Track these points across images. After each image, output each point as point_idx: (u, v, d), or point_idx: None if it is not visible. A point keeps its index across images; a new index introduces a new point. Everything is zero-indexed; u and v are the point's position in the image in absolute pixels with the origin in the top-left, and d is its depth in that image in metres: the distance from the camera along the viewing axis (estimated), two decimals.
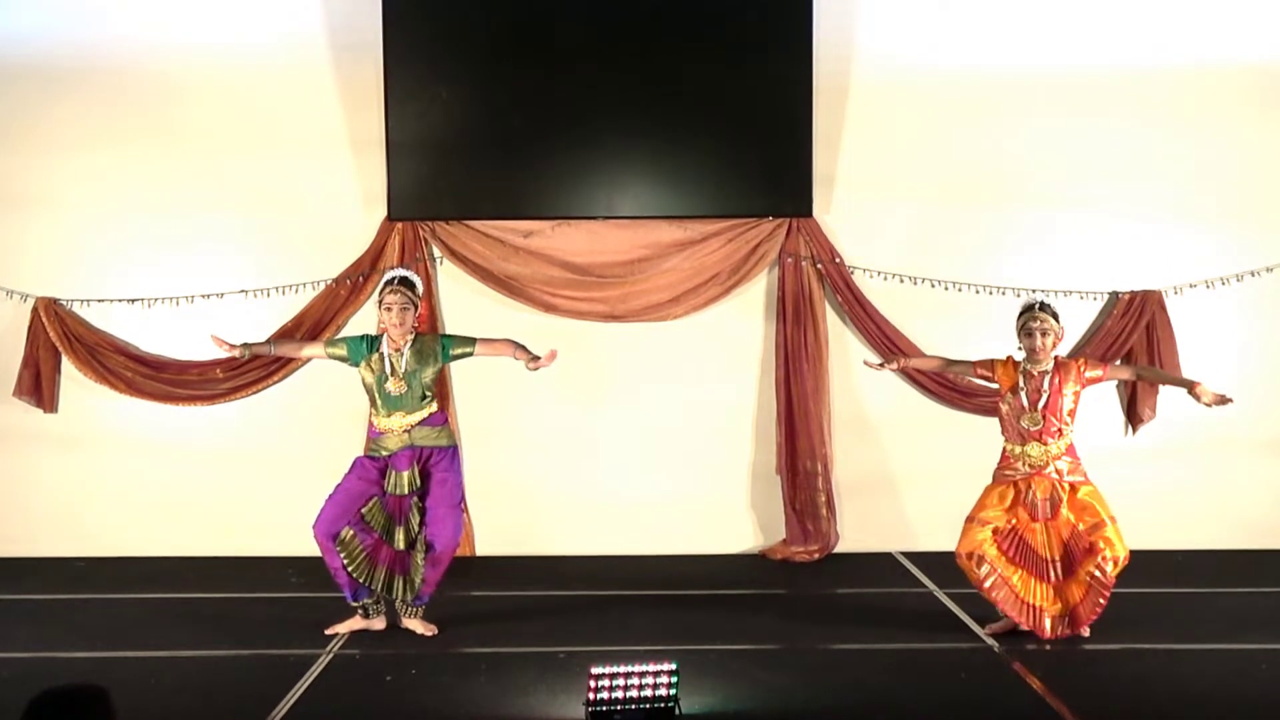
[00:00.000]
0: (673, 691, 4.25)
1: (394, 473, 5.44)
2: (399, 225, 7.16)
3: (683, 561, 7.12)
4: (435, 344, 5.52)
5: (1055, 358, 5.48)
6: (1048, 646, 5.30)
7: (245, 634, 5.61)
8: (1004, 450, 5.52)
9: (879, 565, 7.05)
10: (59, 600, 6.32)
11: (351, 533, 5.41)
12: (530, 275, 7.19)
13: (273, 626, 5.76)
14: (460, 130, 7.12)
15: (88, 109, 7.19)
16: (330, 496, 5.48)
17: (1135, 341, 7.20)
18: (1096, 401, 7.31)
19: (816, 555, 7.16)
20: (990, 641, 5.40)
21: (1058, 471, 5.40)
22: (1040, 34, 7.24)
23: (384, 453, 5.47)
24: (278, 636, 5.54)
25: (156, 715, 4.48)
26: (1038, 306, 5.46)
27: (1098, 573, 5.32)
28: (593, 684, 4.22)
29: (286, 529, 7.14)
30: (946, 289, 7.18)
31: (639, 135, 7.12)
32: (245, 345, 5.68)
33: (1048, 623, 5.36)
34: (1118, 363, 6.20)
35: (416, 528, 5.48)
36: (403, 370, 5.40)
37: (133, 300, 7.20)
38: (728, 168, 7.17)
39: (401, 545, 5.47)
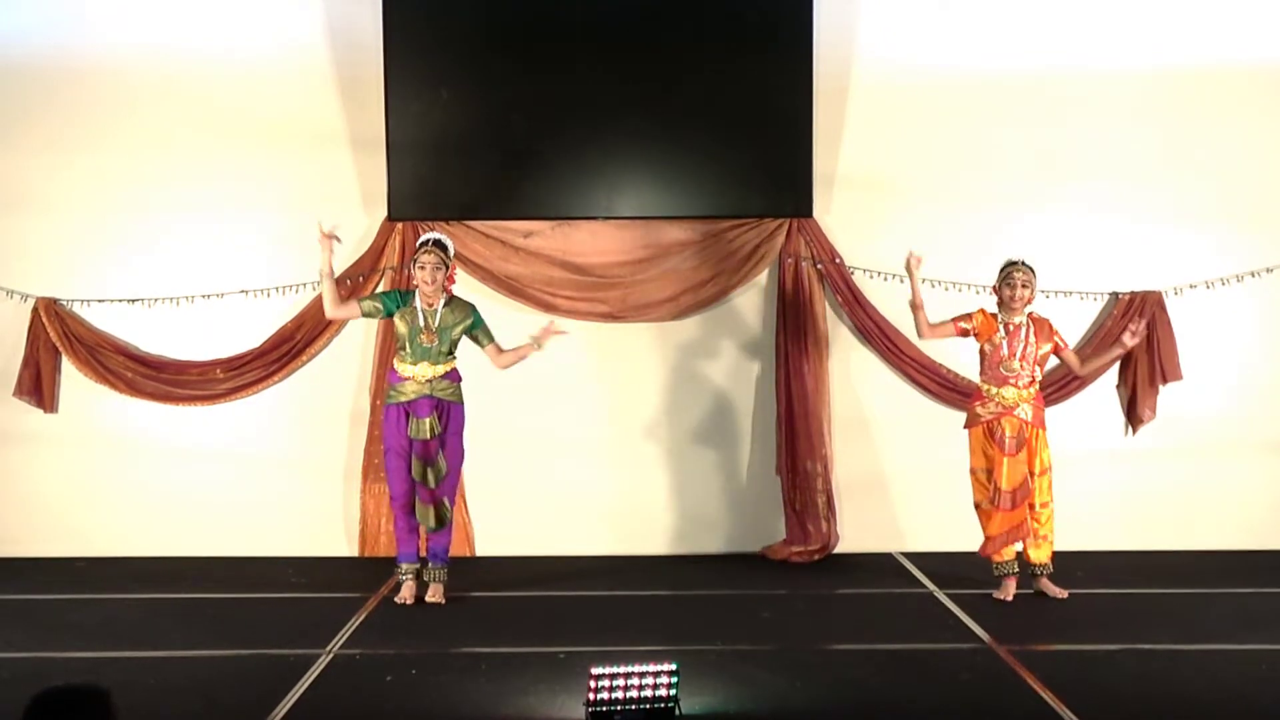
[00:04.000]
0: (673, 691, 4.25)
1: (415, 419, 5.89)
2: (399, 225, 7.16)
3: (683, 561, 7.12)
4: (469, 311, 6.02)
5: (1030, 313, 6.10)
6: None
7: (245, 634, 5.61)
8: (979, 389, 6.16)
9: (879, 565, 7.05)
10: (59, 600, 6.32)
11: (416, 496, 5.97)
12: (530, 275, 7.19)
13: (273, 626, 5.76)
14: (460, 130, 7.12)
15: (88, 109, 7.19)
16: (389, 470, 6.04)
17: (1135, 342, 7.18)
18: (1097, 402, 7.34)
19: (816, 555, 7.16)
20: (990, 641, 5.40)
21: (1025, 414, 6.03)
22: (1040, 34, 7.24)
23: (403, 398, 5.91)
24: (278, 636, 5.55)
25: (156, 715, 4.48)
26: (1021, 261, 6.09)
27: (1032, 520, 6.10)
28: (593, 684, 4.22)
29: (286, 529, 7.18)
30: (946, 289, 7.18)
31: (639, 135, 7.12)
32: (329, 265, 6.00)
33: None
34: (1073, 348, 6.49)
35: (444, 470, 5.98)
36: (436, 324, 5.88)
37: (133, 300, 7.21)
38: (728, 168, 7.18)
39: (433, 484, 5.95)
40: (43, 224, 7.21)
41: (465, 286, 7.22)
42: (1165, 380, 7.22)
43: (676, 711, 4.26)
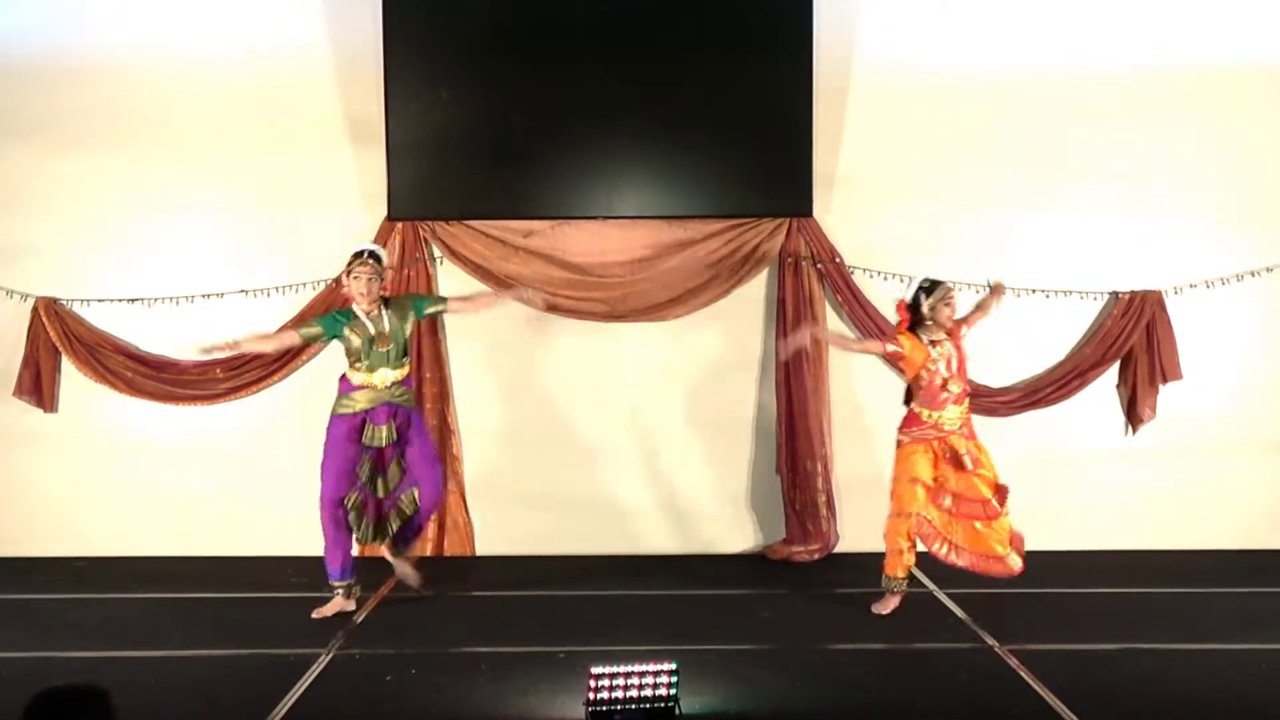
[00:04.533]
0: (673, 691, 4.26)
1: (372, 426, 5.87)
2: (399, 225, 7.16)
3: (683, 561, 7.12)
4: (407, 302, 6.05)
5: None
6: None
7: (245, 634, 5.62)
8: (912, 414, 5.88)
9: (879, 565, 7.02)
10: (59, 600, 6.32)
11: (355, 496, 5.90)
12: (530, 275, 7.19)
13: (273, 626, 5.76)
14: (460, 130, 7.12)
15: (88, 109, 7.18)
16: (325, 470, 5.88)
17: (1135, 341, 7.20)
18: (1097, 402, 7.34)
19: (816, 555, 7.16)
20: (990, 641, 5.40)
21: (965, 430, 5.88)
22: (1040, 34, 7.23)
23: (356, 407, 5.87)
24: (278, 636, 5.55)
25: (156, 715, 4.49)
26: (945, 284, 5.90)
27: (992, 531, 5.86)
28: (593, 684, 4.22)
29: (286, 529, 7.17)
30: None
31: (639, 135, 7.11)
32: (213, 348, 6.02)
33: (963, 559, 5.91)
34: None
35: (395, 481, 5.95)
36: (388, 328, 5.87)
37: (133, 300, 7.20)
38: (728, 168, 7.17)
39: (382, 494, 5.94)
40: (43, 224, 7.21)
41: (466, 287, 7.23)
42: (1165, 380, 7.21)
43: (676, 711, 4.27)
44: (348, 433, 5.87)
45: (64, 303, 7.20)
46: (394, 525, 6.02)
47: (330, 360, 7.24)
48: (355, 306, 5.90)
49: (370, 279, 5.84)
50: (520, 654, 5.22)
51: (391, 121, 7.01)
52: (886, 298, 7.19)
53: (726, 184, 7.18)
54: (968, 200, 7.24)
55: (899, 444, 5.92)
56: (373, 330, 5.83)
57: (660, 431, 7.34)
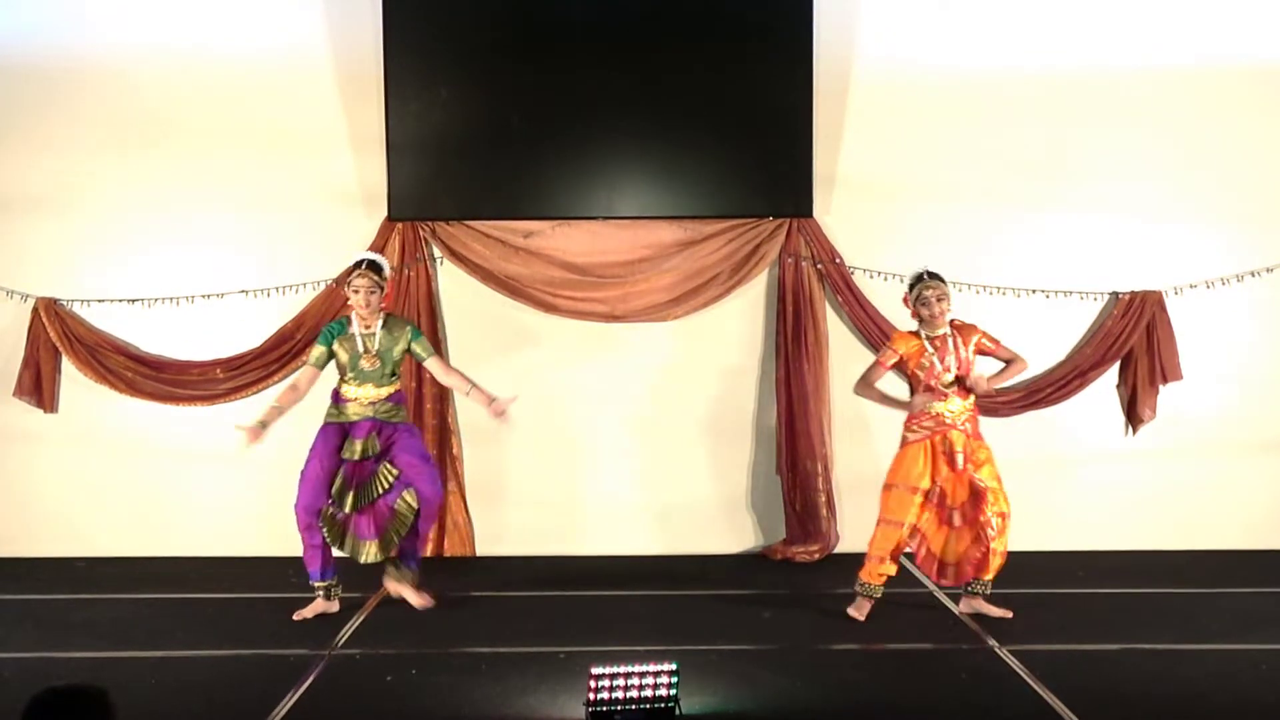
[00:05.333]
0: (673, 691, 4.26)
1: (351, 440, 5.78)
2: (399, 225, 7.16)
3: (683, 561, 7.12)
4: (405, 327, 5.90)
5: (951, 321, 5.77)
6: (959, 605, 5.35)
7: (245, 634, 5.62)
8: (918, 409, 5.75)
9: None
10: (59, 600, 6.32)
11: (330, 510, 5.80)
12: (530, 275, 7.19)
13: (273, 626, 5.76)
14: (460, 130, 7.12)
15: (88, 109, 7.19)
16: (304, 476, 5.82)
17: (1135, 341, 7.20)
18: (1097, 402, 7.34)
19: (816, 555, 7.16)
20: (990, 641, 5.40)
21: (965, 426, 5.70)
22: (1040, 34, 7.24)
23: (342, 418, 5.82)
24: (278, 636, 5.55)
25: (156, 715, 4.49)
26: (927, 275, 5.73)
27: (989, 529, 5.63)
28: (593, 684, 4.22)
29: (286, 529, 7.15)
30: None
31: (639, 135, 7.11)
32: (261, 424, 5.87)
33: (935, 567, 5.80)
34: (1008, 347, 5.97)
35: (380, 491, 5.77)
36: (376, 348, 5.78)
37: (133, 300, 7.20)
38: (728, 168, 7.17)
39: (348, 509, 5.77)
40: (43, 224, 7.21)
41: (466, 287, 7.24)
42: (1165, 380, 7.21)
43: (676, 711, 4.26)
44: (331, 443, 5.79)
45: (64, 303, 7.20)
46: (396, 537, 5.81)
47: (330, 362, 7.25)
48: (352, 317, 5.83)
49: (369, 291, 5.73)
50: (520, 654, 5.21)
51: (391, 121, 7.01)
52: (887, 298, 7.21)
53: (726, 184, 7.18)
54: (968, 200, 7.24)
55: (902, 441, 5.82)
56: (360, 346, 5.76)
57: (660, 432, 7.34)
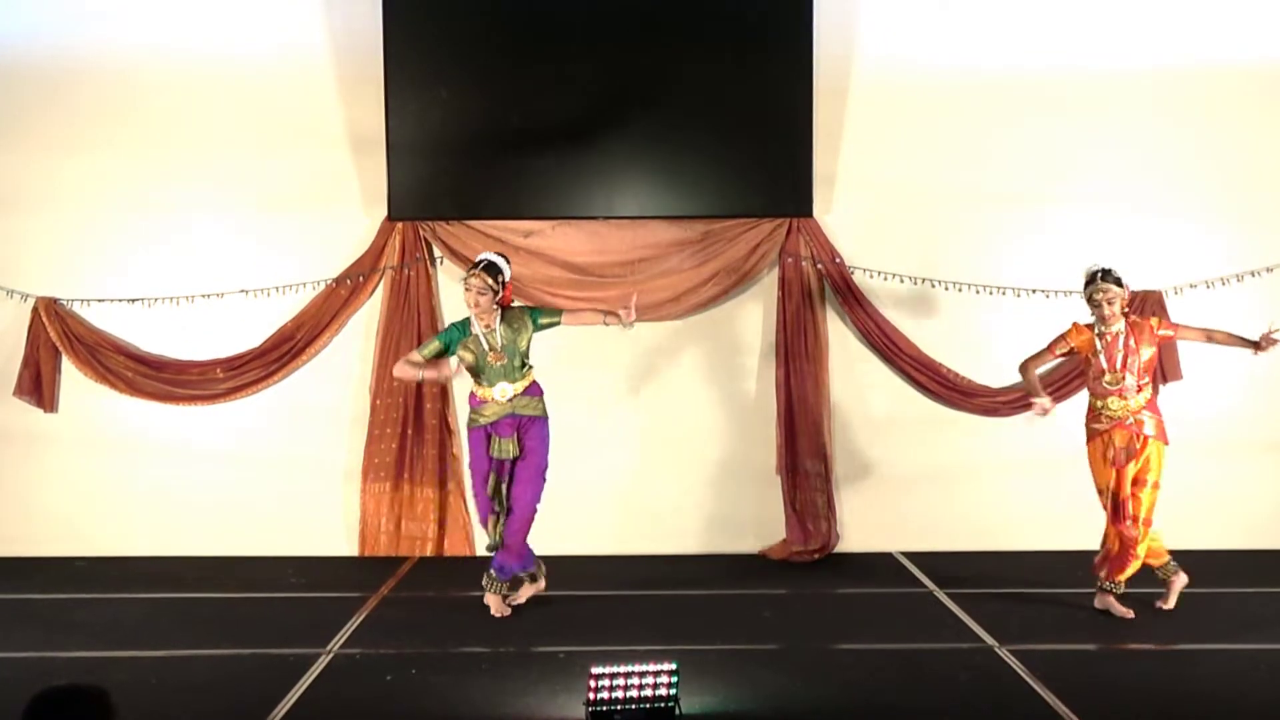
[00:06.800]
0: (673, 691, 4.25)
1: (498, 439, 5.80)
2: (399, 225, 7.16)
3: (683, 561, 7.12)
4: (524, 314, 5.87)
5: (1126, 316, 5.82)
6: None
7: (245, 634, 5.61)
8: (1090, 404, 5.86)
9: (879, 565, 7.04)
10: (59, 600, 6.32)
11: (495, 517, 5.88)
12: (530, 275, 7.19)
13: (273, 626, 5.76)
14: (460, 130, 7.12)
15: (88, 109, 7.19)
16: (476, 492, 5.98)
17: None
18: None
19: (816, 555, 7.16)
20: (990, 641, 5.40)
21: (1138, 423, 5.73)
22: (1040, 34, 7.24)
23: (484, 420, 5.81)
24: (278, 636, 5.55)
25: (156, 715, 4.48)
26: (1099, 276, 5.78)
27: (1126, 532, 5.72)
28: (593, 684, 4.22)
29: (286, 529, 7.18)
30: (946, 289, 7.19)
31: (639, 135, 7.12)
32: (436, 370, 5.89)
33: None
34: (1188, 324, 6.24)
35: (507, 493, 5.87)
36: (500, 344, 5.75)
37: (133, 300, 7.21)
38: (728, 168, 7.17)
39: (498, 507, 5.87)
40: (43, 224, 7.22)
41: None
42: (1165, 380, 7.21)
43: (676, 711, 4.26)
44: (480, 443, 5.84)
45: (64, 303, 7.20)
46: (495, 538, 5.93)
47: (331, 360, 7.26)
48: (472, 318, 5.79)
49: (480, 292, 5.67)
50: (520, 654, 5.22)
51: (391, 121, 7.01)
52: (886, 298, 7.22)
53: (726, 184, 7.18)
54: (968, 200, 7.25)
55: (1087, 437, 5.91)
56: (485, 344, 5.73)
57: (660, 432, 7.34)
